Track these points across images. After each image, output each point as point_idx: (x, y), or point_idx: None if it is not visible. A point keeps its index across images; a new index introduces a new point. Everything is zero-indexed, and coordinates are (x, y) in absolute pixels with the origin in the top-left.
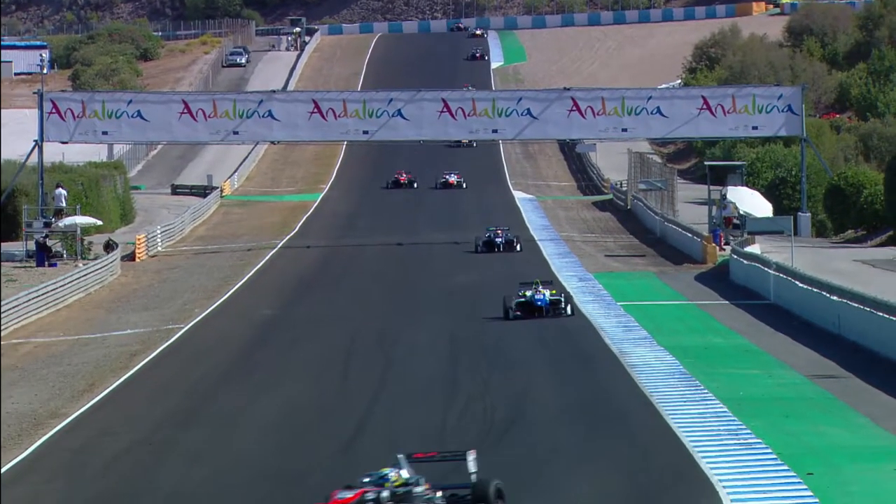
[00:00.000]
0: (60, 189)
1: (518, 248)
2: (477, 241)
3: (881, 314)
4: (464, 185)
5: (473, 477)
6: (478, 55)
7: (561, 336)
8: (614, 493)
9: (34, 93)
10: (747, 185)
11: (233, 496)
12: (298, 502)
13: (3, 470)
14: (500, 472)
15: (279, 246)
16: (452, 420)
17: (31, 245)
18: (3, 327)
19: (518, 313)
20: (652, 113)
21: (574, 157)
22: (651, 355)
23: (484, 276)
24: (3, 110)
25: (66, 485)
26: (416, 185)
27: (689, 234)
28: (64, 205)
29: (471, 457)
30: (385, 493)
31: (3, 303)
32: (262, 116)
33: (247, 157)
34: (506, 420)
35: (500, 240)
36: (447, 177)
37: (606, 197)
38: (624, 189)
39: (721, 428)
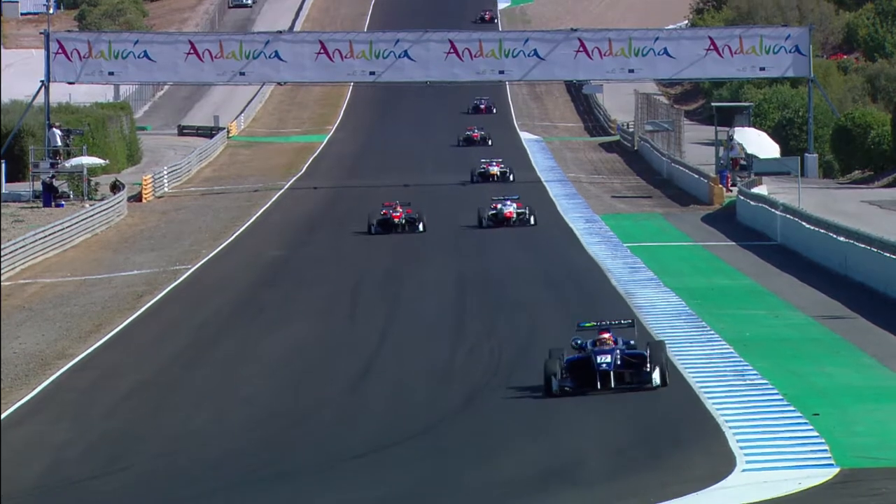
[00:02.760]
0: (55, 129)
1: (511, 178)
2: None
3: (888, 255)
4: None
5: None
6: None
7: (567, 276)
8: (620, 432)
9: (40, 33)
10: (754, 126)
11: (239, 435)
12: (305, 441)
13: (11, 410)
14: (508, 412)
15: (286, 187)
16: (460, 359)
17: (38, 186)
18: (10, 268)
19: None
20: (659, 54)
21: (581, 98)
22: (657, 296)
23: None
24: (9, 50)
25: (72, 425)
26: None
27: (696, 176)
28: (59, 144)
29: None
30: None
31: (11, 242)
32: (269, 57)
33: (253, 97)
34: (511, 361)
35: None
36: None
37: (613, 138)
38: (631, 130)
39: (727, 369)
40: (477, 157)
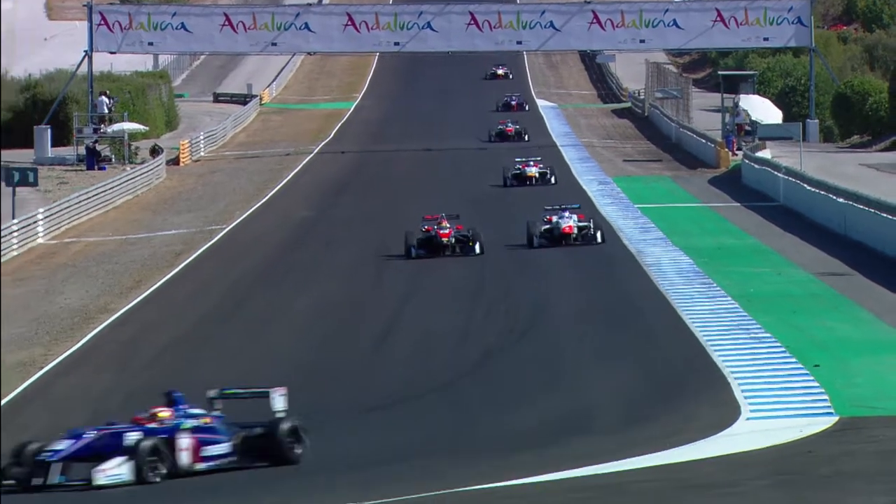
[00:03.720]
0: (103, 97)
1: (526, 138)
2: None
3: (885, 215)
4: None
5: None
6: None
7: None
8: (631, 384)
9: (84, 5)
10: (759, 94)
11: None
12: (332, 393)
13: (56, 361)
14: (524, 368)
15: (315, 152)
16: (479, 316)
17: (82, 150)
18: (56, 227)
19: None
20: (668, 25)
21: (594, 67)
22: (666, 255)
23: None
24: (54, 22)
25: (114, 375)
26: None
27: (703, 140)
28: (106, 111)
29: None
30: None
31: (56, 203)
32: (299, 29)
33: (284, 67)
34: (529, 317)
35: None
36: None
37: (625, 105)
38: (641, 97)
39: (732, 323)
40: (510, 154)
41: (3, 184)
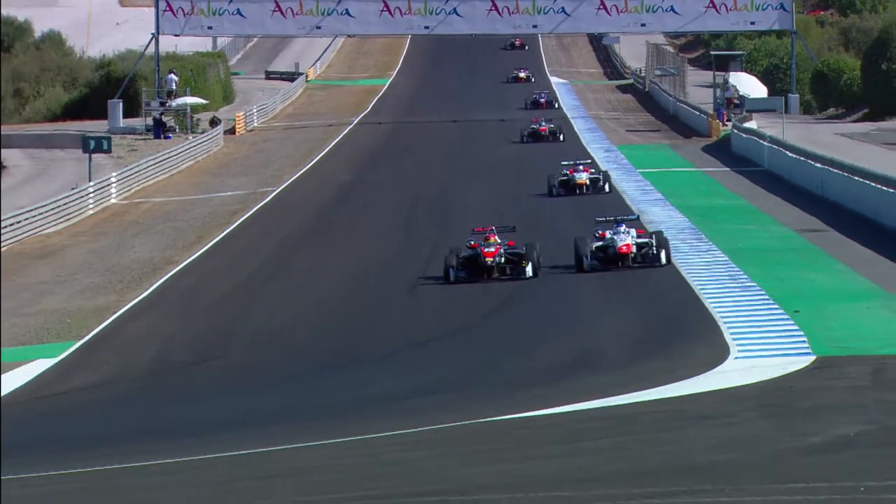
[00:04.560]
0: (172, 75)
1: (561, 138)
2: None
3: (857, 178)
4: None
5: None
6: None
7: (589, 197)
8: (631, 327)
9: None
10: (746, 71)
11: (315, 330)
12: (369, 336)
13: (128, 307)
14: (541, 313)
15: (355, 122)
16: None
17: (150, 121)
18: (127, 189)
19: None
20: (666, 10)
21: (601, 48)
22: (665, 214)
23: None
24: (125, 8)
25: (178, 320)
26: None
27: (697, 112)
28: (174, 87)
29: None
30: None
31: (127, 168)
32: (341, 14)
33: (327, 48)
34: (544, 270)
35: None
36: (517, 73)
37: (628, 82)
38: (643, 75)
39: (723, 274)
40: (554, 156)
41: (81, 150)
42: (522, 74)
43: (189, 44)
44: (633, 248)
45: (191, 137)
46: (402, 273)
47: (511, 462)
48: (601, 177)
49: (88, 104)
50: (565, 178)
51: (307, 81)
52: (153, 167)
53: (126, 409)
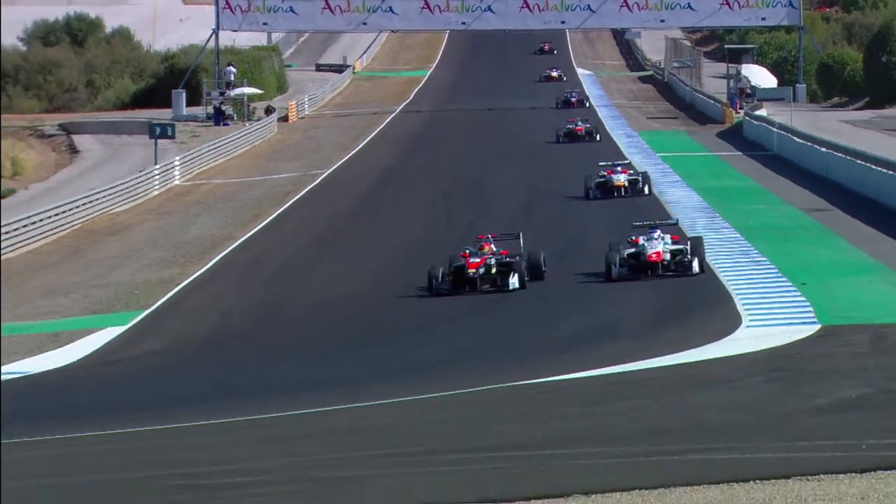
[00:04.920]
0: (230, 67)
1: (598, 138)
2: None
3: (859, 162)
4: (586, 104)
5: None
6: None
7: (627, 200)
8: (653, 299)
9: None
10: (757, 63)
11: (362, 302)
12: (408, 308)
13: (190, 279)
14: (565, 290)
15: (397, 111)
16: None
17: (210, 109)
18: (189, 171)
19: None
20: (684, 7)
21: (623, 42)
22: (682, 194)
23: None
24: (188, 6)
25: (237, 291)
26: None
27: (712, 101)
28: (232, 79)
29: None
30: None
31: (189, 152)
32: (385, 11)
33: (373, 42)
34: (566, 247)
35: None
36: (549, 72)
37: (648, 73)
38: (662, 67)
39: (735, 249)
40: (589, 157)
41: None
42: (555, 74)
43: (246, 39)
44: (666, 256)
45: (247, 124)
46: (439, 251)
47: (541, 422)
48: (640, 178)
49: (154, 94)
50: (603, 179)
51: (354, 73)
52: (213, 152)
53: (189, 373)
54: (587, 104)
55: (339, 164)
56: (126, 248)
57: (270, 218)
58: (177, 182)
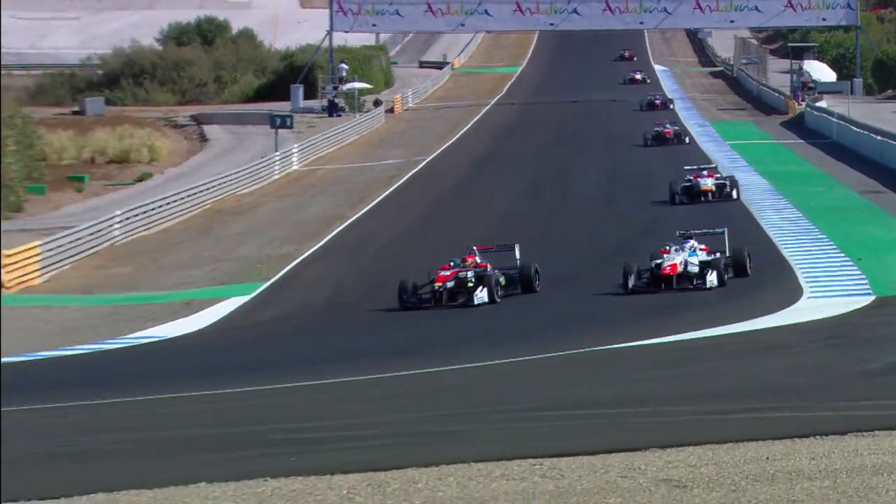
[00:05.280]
0: (343, 64)
1: (686, 140)
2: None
3: None
4: (670, 106)
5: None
6: None
7: (686, 164)
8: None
9: None
10: (818, 60)
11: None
12: None
13: (305, 255)
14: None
15: (492, 103)
16: (610, 220)
17: (325, 102)
18: (306, 158)
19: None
20: (751, 9)
21: (696, 40)
22: (750, 178)
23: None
24: (304, 10)
25: (347, 265)
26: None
27: (777, 94)
28: (345, 74)
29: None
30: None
31: (306, 140)
32: (481, 13)
33: (470, 41)
34: (646, 230)
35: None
36: (634, 75)
37: (718, 69)
38: (731, 63)
39: (797, 227)
40: (675, 158)
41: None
42: (638, 76)
43: (357, 38)
44: (681, 268)
45: (357, 116)
46: (529, 231)
47: (617, 384)
48: (727, 183)
49: (275, 88)
50: (689, 184)
51: (453, 69)
52: (327, 140)
53: (308, 337)
54: (671, 106)
55: (438, 151)
56: (250, 226)
57: (377, 200)
58: (295, 167)
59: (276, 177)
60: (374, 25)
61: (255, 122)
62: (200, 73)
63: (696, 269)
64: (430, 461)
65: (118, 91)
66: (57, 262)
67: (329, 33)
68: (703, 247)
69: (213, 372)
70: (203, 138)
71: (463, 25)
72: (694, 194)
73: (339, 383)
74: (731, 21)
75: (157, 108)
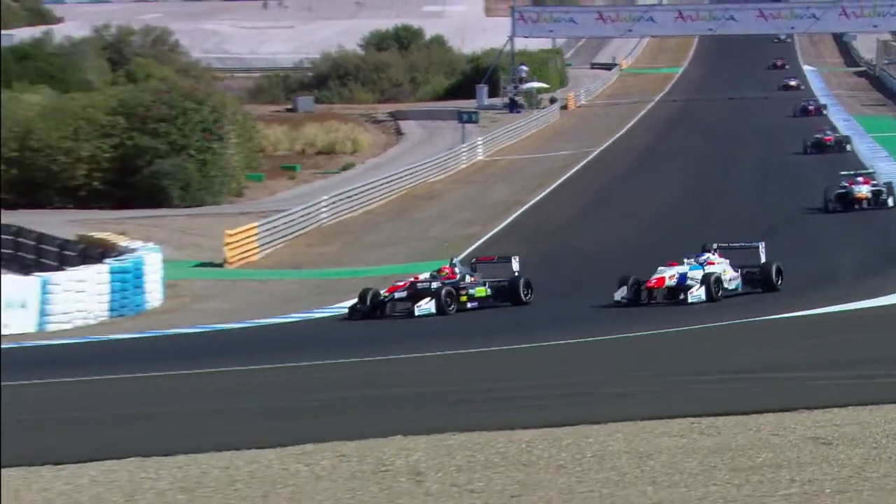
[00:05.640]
0: (522, 66)
1: (848, 148)
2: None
3: None
4: (823, 112)
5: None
6: None
7: (831, 155)
8: (863, 252)
9: (509, 6)
10: None
11: (623, 256)
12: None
13: (488, 236)
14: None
15: (655, 100)
16: (766, 202)
17: (506, 100)
18: (490, 149)
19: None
20: (893, 15)
21: (842, 43)
22: (890, 167)
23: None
24: (489, 18)
25: (526, 245)
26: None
27: None
28: (524, 75)
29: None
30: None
31: (490, 134)
32: (646, 20)
33: (636, 45)
34: (787, 219)
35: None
36: (788, 81)
37: (862, 69)
38: (874, 64)
39: None
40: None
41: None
42: (793, 83)
43: (535, 43)
44: (673, 282)
45: (535, 112)
46: (689, 213)
47: (768, 350)
48: (884, 189)
49: (462, 88)
50: (843, 191)
51: (621, 70)
52: (508, 133)
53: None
54: (824, 112)
55: (607, 143)
56: (440, 209)
57: (551, 187)
58: (479, 157)
59: (463, 166)
60: (550, 31)
61: (445, 117)
62: (397, 75)
63: (694, 283)
64: (601, 419)
65: (326, 91)
66: (272, 240)
67: (510, 39)
68: (712, 259)
69: (413, 338)
70: (399, 132)
71: (630, 31)
72: (848, 202)
73: (521, 349)
74: (875, 26)
75: (359, 106)
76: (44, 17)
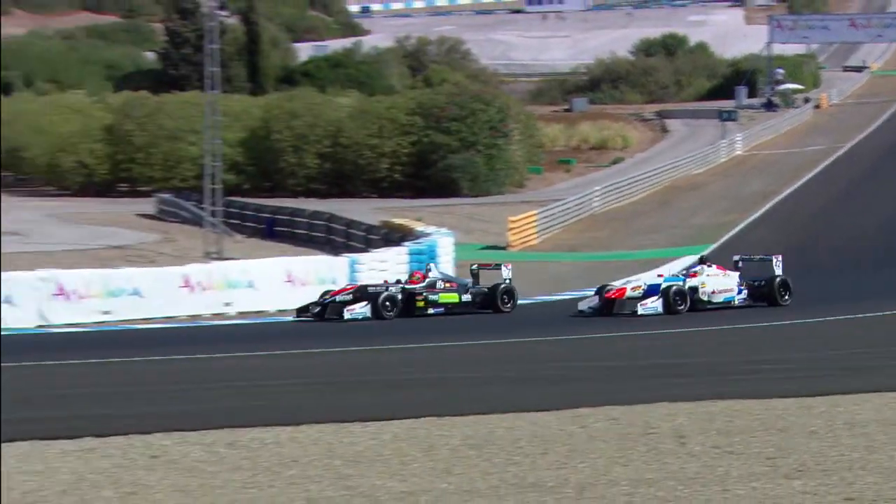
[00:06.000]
0: (779, 69)
1: None
2: None
3: None
4: None
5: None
6: None
7: None
8: None
9: (767, 16)
10: None
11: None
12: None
13: (745, 223)
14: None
15: None
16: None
17: (763, 100)
18: (748, 144)
19: None
20: None
21: None
22: None
23: None
24: (749, 26)
25: (778, 232)
26: None
27: None
28: (780, 77)
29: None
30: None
31: (748, 130)
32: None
33: (886, 49)
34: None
35: None
36: None
37: None
38: None
39: None
40: None
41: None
42: None
43: (791, 48)
44: (636, 293)
45: (790, 111)
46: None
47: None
48: None
49: (722, 89)
50: None
51: (871, 72)
52: (764, 130)
53: None
54: None
55: (857, 139)
56: (701, 199)
57: (804, 179)
58: (738, 152)
59: (723, 160)
60: (805, 38)
61: (706, 116)
62: (664, 78)
63: (632, 293)
64: (851, 389)
65: (599, 93)
66: (550, 226)
67: (768, 44)
68: (713, 272)
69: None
70: (664, 130)
71: (880, 36)
72: None
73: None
74: None
75: (628, 106)
76: (354, 30)
